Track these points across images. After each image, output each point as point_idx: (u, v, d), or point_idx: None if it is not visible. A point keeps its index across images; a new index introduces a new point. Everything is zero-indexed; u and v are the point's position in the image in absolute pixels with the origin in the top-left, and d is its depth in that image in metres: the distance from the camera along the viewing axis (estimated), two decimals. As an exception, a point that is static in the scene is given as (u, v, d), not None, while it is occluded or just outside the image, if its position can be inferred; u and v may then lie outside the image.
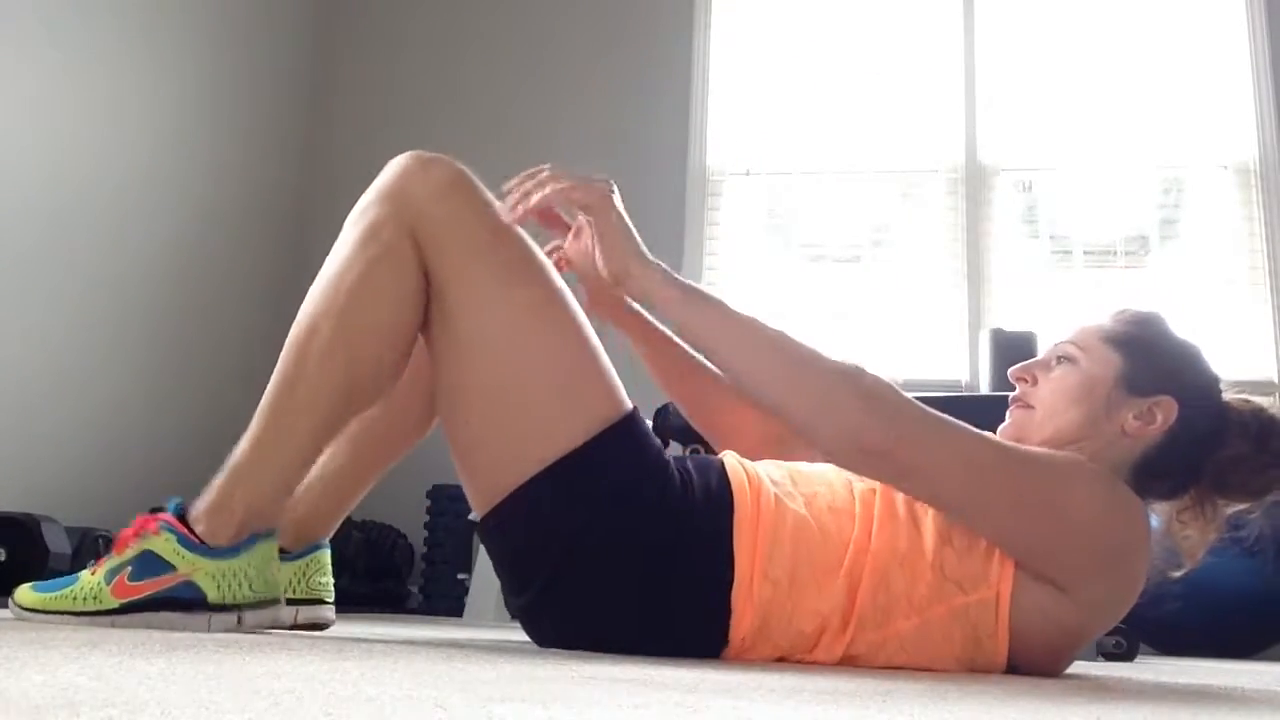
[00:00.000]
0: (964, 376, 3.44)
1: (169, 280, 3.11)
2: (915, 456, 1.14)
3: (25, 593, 1.24)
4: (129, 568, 1.20)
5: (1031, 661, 1.20)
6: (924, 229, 3.60)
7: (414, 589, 3.25)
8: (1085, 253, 3.50)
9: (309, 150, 3.83)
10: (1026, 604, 1.17)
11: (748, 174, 3.71)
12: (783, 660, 1.20)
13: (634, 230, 1.23)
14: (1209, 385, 1.27)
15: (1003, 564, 1.17)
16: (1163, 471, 1.25)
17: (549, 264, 1.27)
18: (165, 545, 1.20)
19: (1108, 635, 2.03)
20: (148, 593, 1.19)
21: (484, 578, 2.69)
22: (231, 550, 1.21)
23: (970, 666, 1.19)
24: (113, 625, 1.18)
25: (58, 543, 2.03)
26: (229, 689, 0.62)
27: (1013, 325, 3.27)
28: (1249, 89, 3.47)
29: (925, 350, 3.48)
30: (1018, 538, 1.16)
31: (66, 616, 1.20)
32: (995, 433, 1.32)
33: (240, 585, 1.20)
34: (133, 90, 2.98)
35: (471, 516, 3.05)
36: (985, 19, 3.71)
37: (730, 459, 1.30)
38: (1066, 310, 3.42)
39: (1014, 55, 3.67)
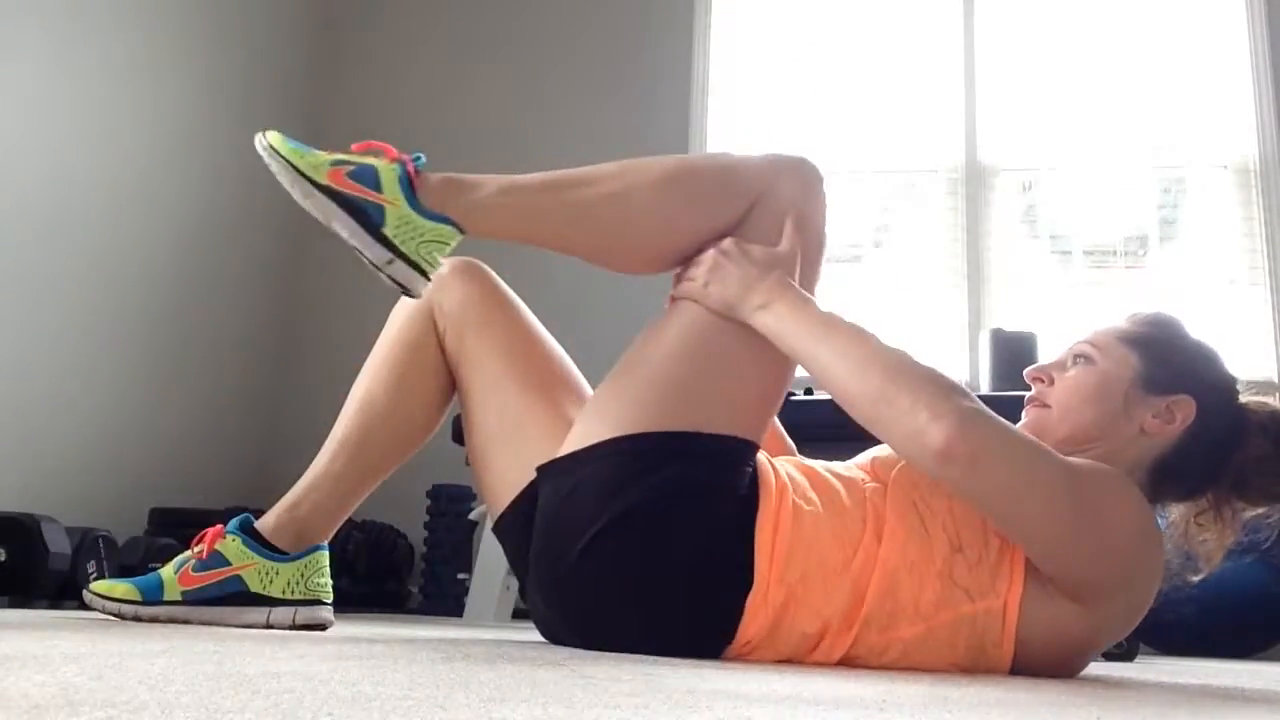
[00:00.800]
0: (964, 376, 3.44)
1: (168, 280, 3.11)
2: (995, 468, 1.12)
3: None
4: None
5: (1037, 671, 1.20)
6: (924, 229, 3.61)
7: (414, 589, 3.25)
8: (1085, 253, 3.50)
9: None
10: (1035, 614, 1.16)
11: (748, 174, 3.71)
12: (783, 662, 1.21)
13: (761, 268, 1.27)
14: (1227, 386, 1.27)
15: (1013, 574, 1.17)
16: (1181, 472, 1.25)
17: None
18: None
19: (1108, 635, 2.03)
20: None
21: (484, 578, 2.69)
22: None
23: (972, 673, 1.19)
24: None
25: (58, 543, 2.03)
26: (229, 689, 0.62)
27: (1013, 325, 3.27)
28: (1249, 89, 3.47)
29: (925, 350, 3.46)
30: (1066, 556, 1.14)
31: None
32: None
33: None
34: (131, 89, 2.98)
35: (476, 510, 3.05)
36: (985, 19, 3.71)
37: (760, 456, 1.30)
38: (1066, 310, 3.43)
39: (1014, 55, 3.68)
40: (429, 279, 1.29)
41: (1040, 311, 3.43)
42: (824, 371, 1.21)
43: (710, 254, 1.29)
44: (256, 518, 1.41)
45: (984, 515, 1.18)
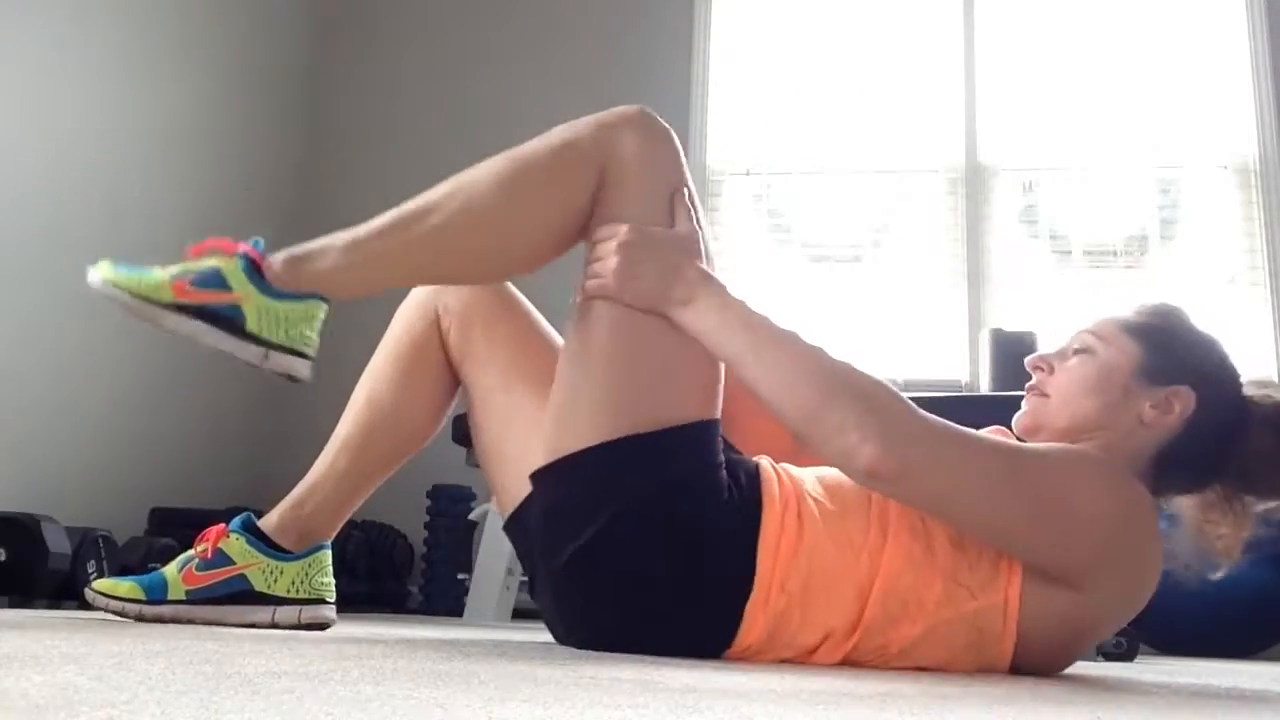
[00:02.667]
0: (964, 376, 3.44)
1: (169, 280, 3.11)
2: (926, 480, 1.13)
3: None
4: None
5: (1037, 661, 1.19)
6: (924, 229, 3.60)
7: (414, 589, 3.25)
8: (1085, 253, 3.50)
9: (309, 147, 3.83)
10: (1035, 606, 1.16)
11: (748, 174, 3.71)
12: (783, 662, 1.21)
13: (668, 257, 1.23)
14: (1229, 377, 1.26)
15: (1011, 567, 1.16)
16: (1182, 463, 1.23)
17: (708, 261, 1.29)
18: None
19: (1108, 635, 2.03)
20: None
21: (484, 578, 2.69)
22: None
23: (971, 670, 1.19)
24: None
25: (58, 543, 2.03)
26: (229, 689, 0.62)
27: (1013, 325, 3.27)
28: (1249, 89, 3.47)
29: (925, 350, 3.48)
30: (1029, 544, 1.15)
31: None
32: (1010, 423, 1.32)
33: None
34: (132, 86, 2.98)
35: (476, 510, 3.05)
36: (985, 19, 3.71)
37: (765, 463, 1.29)
38: (1066, 310, 3.43)
39: (1014, 55, 3.67)
40: (309, 357, 1.27)
41: (1040, 311, 3.43)
42: (753, 382, 1.20)
43: (612, 246, 1.24)
44: (258, 516, 1.42)
45: (946, 520, 1.18)
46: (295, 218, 3.69)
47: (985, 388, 3.15)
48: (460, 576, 3.02)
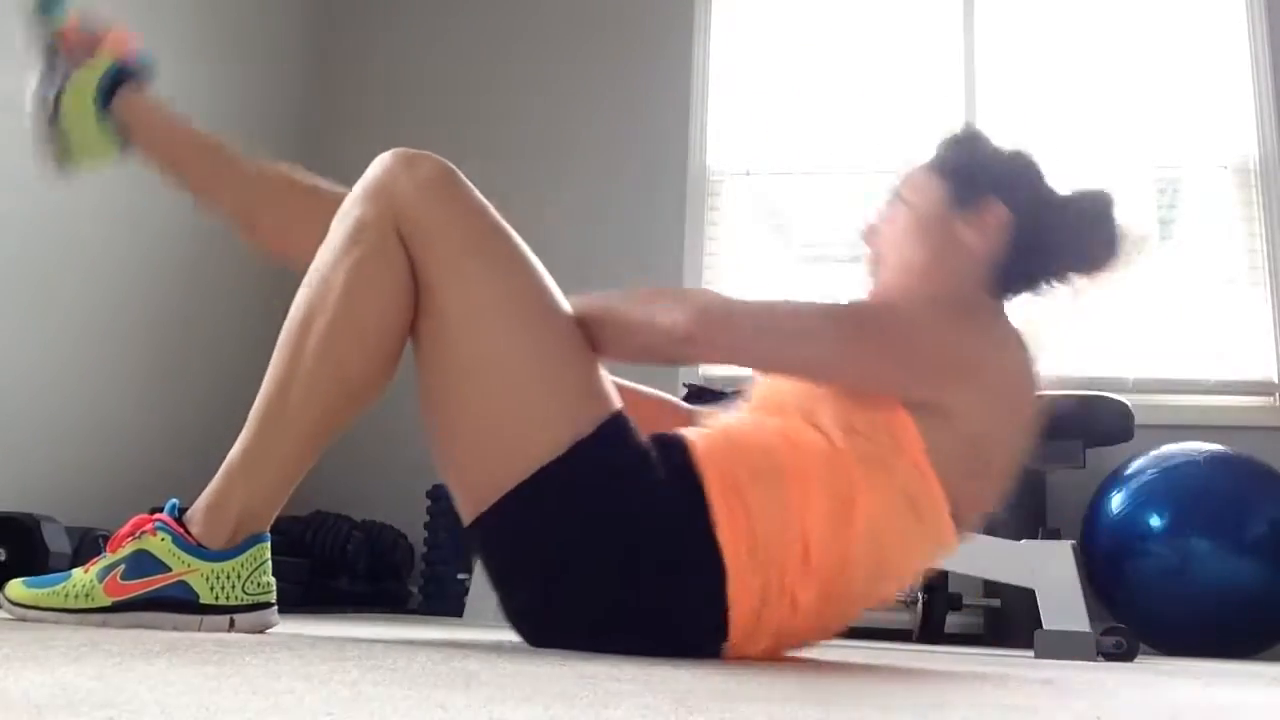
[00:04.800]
0: (964, 376, 3.43)
1: (168, 279, 3.11)
2: (740, 334, 1.19)
3: (17, 588, 1.24)
4: (122, 566, 1.21)
5: (967, 501, 1.20)
6: (924, 229, 3.60)
7: (414, 589, 3.25)
8: (1085, 253, 3.50)
9: (308, 147, 3.83)
10: (938, 448, 1.17)
11: (748, 174, 3.71)
12: (777, 646, 1.20)
13: None
14: (1029, 174, 1.33)
15: (902, 425, 1.17)
16: (1019, 267, 1.31)
17: (537, 261, 1.25)
18: (160, 545, 1.21)
19: (1107, 635, 2.03)
20: (140, 592, 1.20)
21: (484, 578, 2.69)
22: (227, 553, 1.21)
23: (933, 541, 1.20)
24: (104, 624, 1.18)
25: (58, 543, 2.03)
26: (229, 689, 0.62)
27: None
28: (1249, 89, 3.47)
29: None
30: (867, 379, 1.19)
31: (58, 614, 1.20)
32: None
33: (234, 588, 1.21)
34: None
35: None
36: (985, 19, 3.71)
37: (691, 436, 1.24)
38: (1066, 310, 3.42)
39: (1014, 55, 3.67)
40: (273, 603, 1.23)
41: (1039, 311, 3.42)
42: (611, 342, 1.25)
43: None
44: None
45: (799, 380, 1.23)
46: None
47: (985, 388, 3.15)
48: (460, 576, 3.02)
